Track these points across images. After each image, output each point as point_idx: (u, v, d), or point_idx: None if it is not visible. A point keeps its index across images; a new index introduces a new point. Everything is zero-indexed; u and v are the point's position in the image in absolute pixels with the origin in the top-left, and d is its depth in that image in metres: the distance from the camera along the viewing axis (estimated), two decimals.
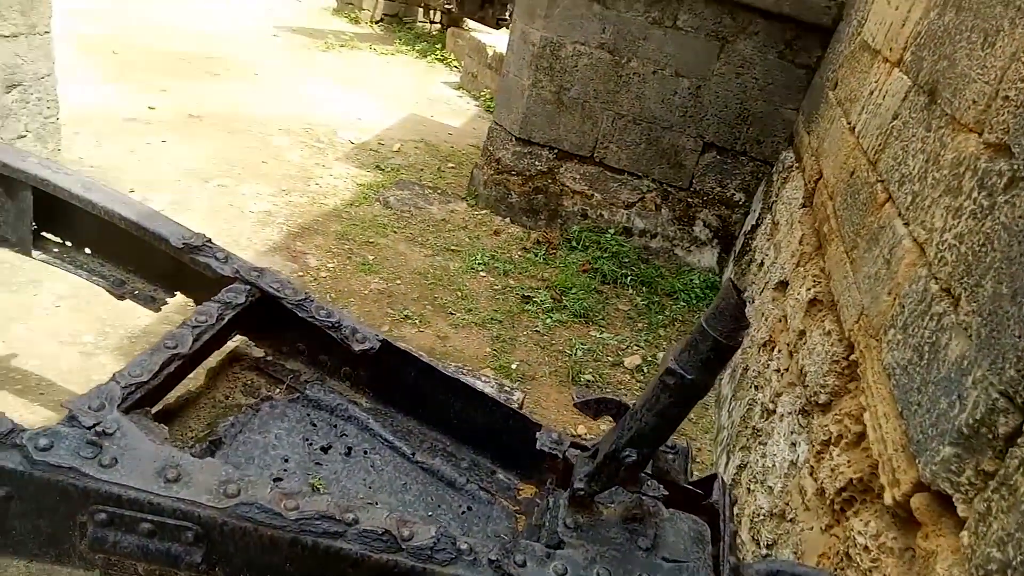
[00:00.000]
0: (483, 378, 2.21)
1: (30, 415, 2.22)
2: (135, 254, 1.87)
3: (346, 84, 6.82)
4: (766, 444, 2.33)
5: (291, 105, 5.80)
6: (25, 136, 3.22)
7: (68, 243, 1.96)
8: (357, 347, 1.63)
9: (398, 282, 3.62)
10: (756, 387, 2.73)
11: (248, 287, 1.65)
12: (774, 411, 2.38)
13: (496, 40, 7.52)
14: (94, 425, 1.17)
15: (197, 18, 7.23)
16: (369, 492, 1.50)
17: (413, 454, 1.60)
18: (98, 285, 1.91)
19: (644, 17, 3.99)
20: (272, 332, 1.75)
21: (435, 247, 4.07)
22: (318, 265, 3.56)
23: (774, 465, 2.18)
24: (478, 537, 1.42)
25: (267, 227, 3.79)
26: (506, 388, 2.11)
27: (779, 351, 2.60)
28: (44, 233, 1.95)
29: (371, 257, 3.77)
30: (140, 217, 1.77)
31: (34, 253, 1.92)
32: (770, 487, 2.14)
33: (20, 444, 1.10)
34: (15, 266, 2.86)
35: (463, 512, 1.52)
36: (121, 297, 1.90)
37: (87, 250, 1.95)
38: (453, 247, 4.12)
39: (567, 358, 3.34)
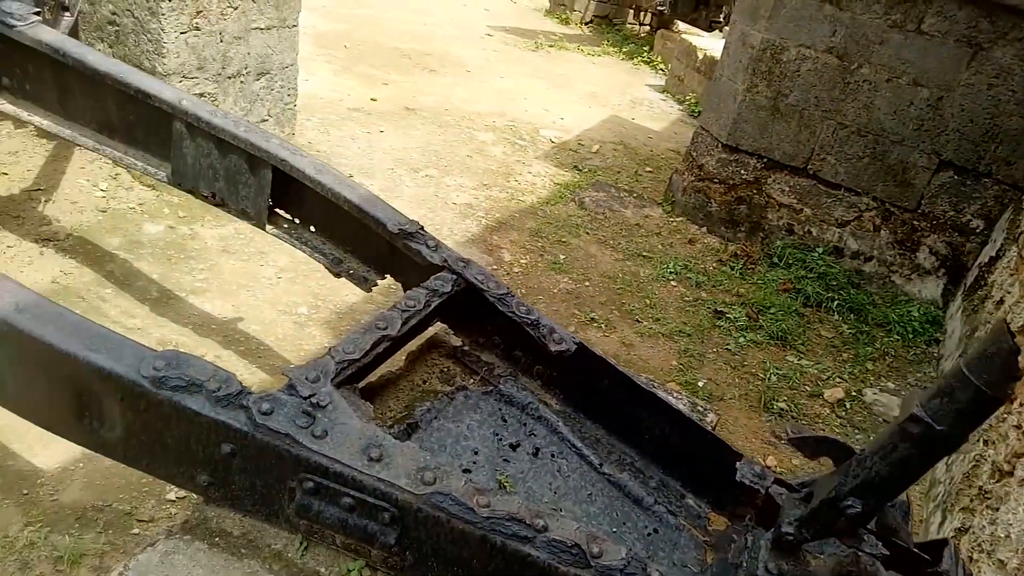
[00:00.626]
0: (674, 394, 2.11)
1: (248, 375, 2.44)
2: (353, 235, 1.98)
3: (551, 83, 6.91)
4: (998, 510, 2.02)
5: (498, 102, 5.97)
6: (267, 120, 3.55)
7: (296, 220, 2.12)
8: (554, 347, 1.60)
9: (587, 284, 3.59)
10: (986, 442, 2.38)
11: (455, 277, 1.68)
12: (1011, 473, 2.06)
13: (707, 43, 7.27)
14: (310, 396, 1.22)
15: (420, 17, 7.65)
16: (554, 497, 1.46)
17: (600, 464, 1.55)
18: (319, 261, 2.05)
19: (883, 19, 3.64)
20: (471, 322, 1.77)
21: (626, 251, 3.99)
22: (511, 260, 3.62)
23: (1008, 536, 1.88)
24: (664, 564, 1.34)
25: (467, 219, 3.91)
26: (699, 408, 1.99)
27: (1021, 404, 2.25)
28: (277, 209, 2.12)
29: (562, 256, 3.77)
30: (362, 200, 1.86)
31: (267, 227, 2.10)
32: (1001, 560, 1.85)
33: (246, 406, 1.18)
34: (248, 238, 3.17)
35: (648, 534, 1.45)
36: (337, 275, 2.02)
37: (312, 228, 2.10)
38: (645, 253, 4.02)
39: (759, 382, 3.13)
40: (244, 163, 2.02)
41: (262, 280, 2.96)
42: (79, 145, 2.24)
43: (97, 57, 2.09)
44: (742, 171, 4.24)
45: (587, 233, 4.09)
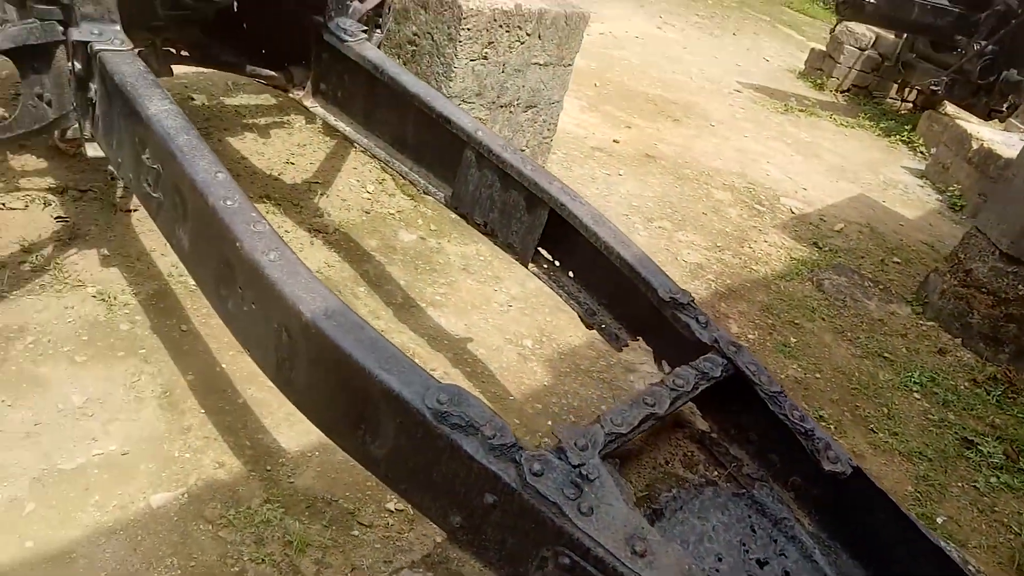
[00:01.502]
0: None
1: None
2: (615, 290, 1.94)
3: (797, 150, 6.57)
4: None
5: (739, 161, 5.76)
6: (523, 151, 3.65)
7: (557, 263, 2.12)
8: (827, 466, 1.44)
9: (817, 376, 3.30)
10: None
11: (724, 361, 1.58)
12: None
13: (985, 133, 6.55)
14: (579, 465, 1.17)
15: (671, 64, 7.62)
16: None
17: None
18: (572, 308, 2.03)
19: None
20: (726, 410, 1.65)
21: (865, 348, 3.64)
22: (738, 333, 3.42)
23: None
24: None
25: (696, 280, 3.77)
26: (971, 567, 1.72)
27: None
28: (540, 248, 2.13)
29: (793, 340, 3.51)
30: (635, 260, 1.81)
31: (529, 266, 2.12)
32: None
33: (518, 461, 1.15)
34: (486, 260, 3.26)
35: None
36: (589, 326, 1.99)
37: (570, 273, 2.09)
38: (886, 354, 3.64)
39: (1013, 536, 2.69)
40: (522, 200, 2.05)
41: (494, 304, 3.02)
42: (373, 156, 2.41)
43: (409, 79, 2.23)
44: (1020, 286, 3.72)
45: (823, 319, 3.79)
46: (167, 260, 2.51)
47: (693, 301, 1.73)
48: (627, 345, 1.93)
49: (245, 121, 3.53)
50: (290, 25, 2.45)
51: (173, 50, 2.60)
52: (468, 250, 3.28)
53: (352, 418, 1.33)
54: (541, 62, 3.36)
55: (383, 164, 2.43)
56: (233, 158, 3.23)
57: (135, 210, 2.68)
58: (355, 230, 3.11)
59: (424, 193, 2.34)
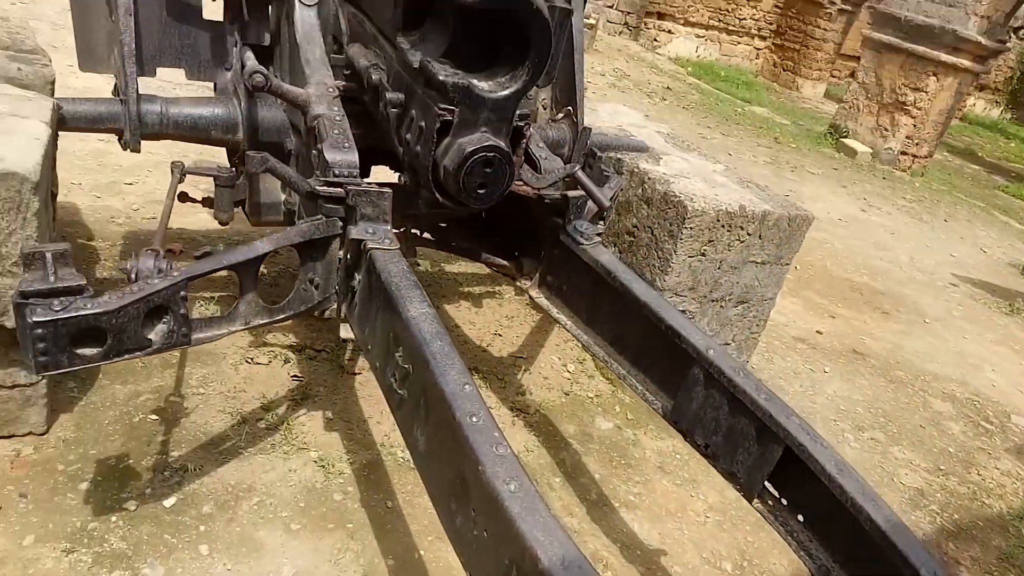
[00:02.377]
0: None
1: None
2: (857, 553, 1.73)
3: None
4: None
5: (958, 366, 5.23)
6: (728, 344, 3.54)
7: (784, 501, 1.94)
8: None
9: None
10: None
11: None
12: None
13: None
14: None
15: (877, 251, 7.28)
16: None
17: None
18: (801, 559, 1.83)
19: None
20: None
21: None
22: None
23: None
24: None
25: (917, 510, 3.35)
26: None
27: None
28: (766, 483, 1.97)
29: None
30: (888, 526, 1.61)
31: (754, 502, 1.96)
32: None
33: None
34: (683, 460, 3.10)
35: None
36: None
37: (800, 517, 1.90)
38: None
39: None
40: (753, 430, 1.93)
41: (690, 513, 2.83)
42: (592, 353, 2.41)
43: (641, 287, 2.24)
44: None
45: None
46: (381, 429, 2.61)
47: None
48: None
49: (461, 289, 3.73)
50: (527, 221, 2.59)
51: (418, 232, 2.82)
52: (664, 446, 3.14)
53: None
54: (759, 260, 3.29)
55: (601, 363, 2.41)
56: (448, 326, 3.39)
57: (359, 373, 2.84)
58: (554, 412, 3.09)
59: (642, 399, 2.28)
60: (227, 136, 2.42)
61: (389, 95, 2.05)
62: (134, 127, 2.21)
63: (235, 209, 2.58)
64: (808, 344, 4.76)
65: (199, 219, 3.63)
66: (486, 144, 1.93)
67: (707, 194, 3.07)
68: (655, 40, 14.75)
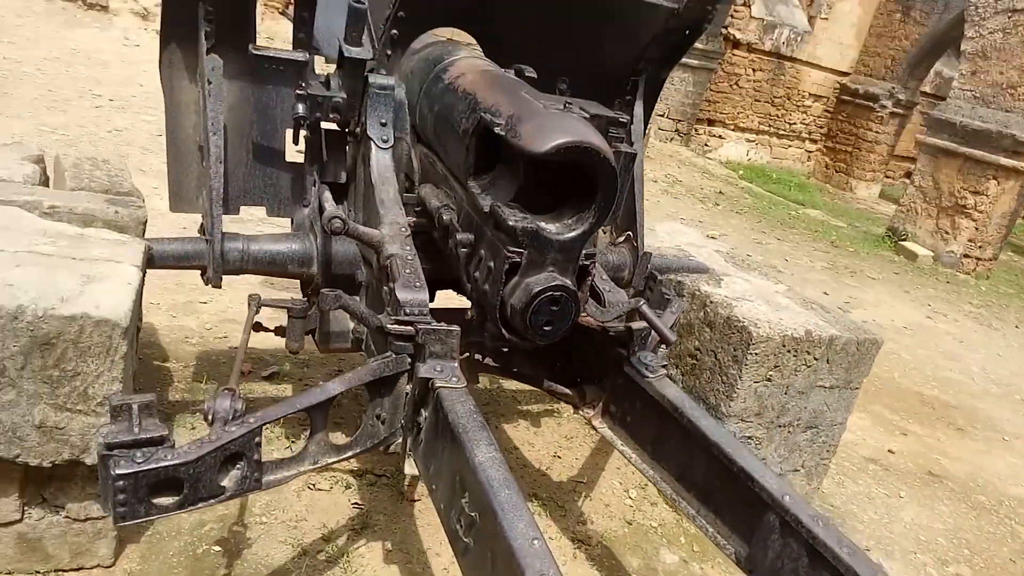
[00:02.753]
0: None
1: None
2: None
3: None
4: None
5: None
6: (797, 471, 3.40)
7: None
8: None
9: None
10: None
11: None
12: None
13: None
14: None
15: (947, 361, 7.01)
16: None
17: None
18: None
19: None
20: None
21: None
22: None
23: None
24: None
25: None
26: None
27: None
28: None
29: None
30: None
31: None
32: None
33: None
34: None
35: None
36: None
37: None
38: None
39: None
40: None
41: None
42: (657, 489, 2.35)
43: (710, 424, 2.19)
44: None
45: None
46: (440, 562, 2.56)
47: None
48: None
49: (520, 407, 3.71)
50: (590, 350, 2.59)
51: (480, 357, 2.84)
52: None
53: None
54: (827, 385, 3.21)
55: (667, 500, 2.34)
56: (508, 447, 3.36)
57: (419, 499, 2.82)
58: (617, 544, 2.98)
59: (713, 542, 2.19)
60: (302, 270, 2.52)
61: (459, 236, 2.13)
62: (217, 265, 2.33)
63: (305, 337, 2.66)
64: (880, 465, 4.54)
65: (265, 336, 3.74)
66: (553, 284, 1.97)
67: (771, 318, 3.04)
68: (706, 145, 15.04)
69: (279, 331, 2.70)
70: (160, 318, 3.64)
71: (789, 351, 3.02)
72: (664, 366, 2.45)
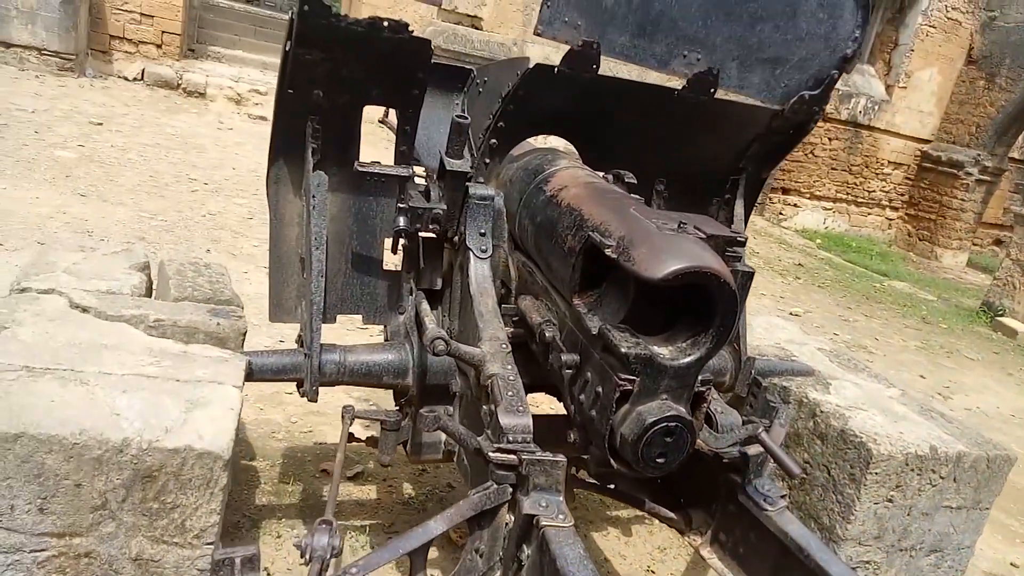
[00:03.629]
0: None
1: None
2: None
3: None
4: None
5: None
6: None
7: None
8: None
9: None
10: None
11: None
12: None
13: None
14: None
15: None
16: None
17: None
18: None
19: None
20: None
21: None
22: None
23: None
24: None
25: None
26: None
27: None
28: None
29: None
30: None
31: None
32: None
33: None
34: None
35: None
36: None
37: None
38: None
39: None
40: None
41: None
42: None
43: (840, 570, 1.99)
44: None
45: None
46: None
47: None
48: None
49: (609, 513, 3.52)
50: (699, 473, 2.42)
51: (575, 468, 2.70)
52: None
53: None
54: (953, 505, 2.92)
55: None
56: (598, 559, 3.16)
57: None
58: None
59: None
60: (397, 381, 2.46)
61: (564, 357, 2.02)
62: (314, 379, 2.28)
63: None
64: None
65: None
66: (667, 414, 1.83)
67: (891, 432, 2.80)
68: (780, 214, 14.73)
69: (371, 441, 2.63)
70: (248, 412, 3.63)
71: (912, 470, 2.77)
72: (784, 496, 2.26)
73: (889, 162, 15.45)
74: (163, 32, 12.00)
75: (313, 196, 2.23)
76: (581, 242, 1.99)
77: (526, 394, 2.58)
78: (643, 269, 1.75)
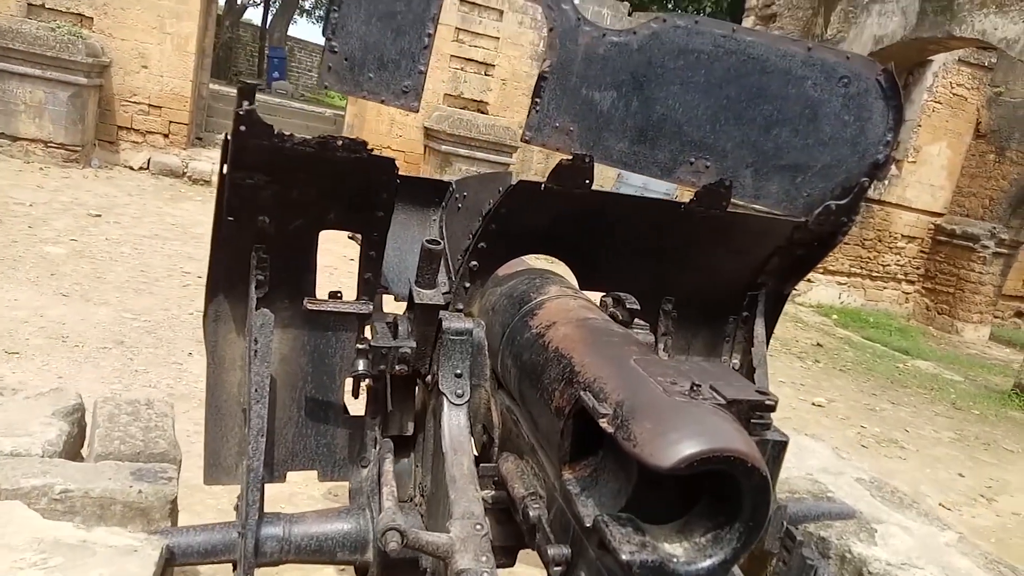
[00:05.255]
0: None
1: None
2: None
3: None
4: None
5: None
6: None
7: None
8: None
9: None
10: None
11: None
12: None
13: None
14: None
15: None
16: None
17: None
18: None
19: None
20: None
21: None
22: None
23: None
24: None
25: None
26: None
27: None
28: None
29: None
30: None
31: None
32: None
33: None
34: None
35: None
36: None
37: None
38: None
39: None
40: None
41: None
42: None
43: None
44: None
45: None
46: None
47: None
48: None
49: None
50: None
51: None
52: None
53: None
54: None
55: None
56: None
57: None
58: None
59: None
60: (355, 557, 2.04)
61: (551, 551, 1.61)
62: (249, 564, 1.87)
63: None
64: None
65: None
66: None
67: None
68: (795, 290, 14.34)
69: None
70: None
71: None
72: None
73: (902, 236, 15.15)
74: (171, 122, 12.05)
75: (255, 340, 1.88)
76: (571, 402, 1.61)
77: (512, 556, 2.16)
78: (647, 454, 1.36)
